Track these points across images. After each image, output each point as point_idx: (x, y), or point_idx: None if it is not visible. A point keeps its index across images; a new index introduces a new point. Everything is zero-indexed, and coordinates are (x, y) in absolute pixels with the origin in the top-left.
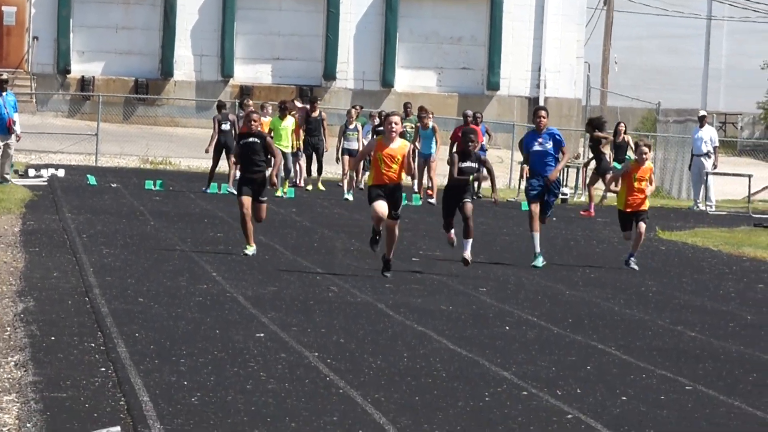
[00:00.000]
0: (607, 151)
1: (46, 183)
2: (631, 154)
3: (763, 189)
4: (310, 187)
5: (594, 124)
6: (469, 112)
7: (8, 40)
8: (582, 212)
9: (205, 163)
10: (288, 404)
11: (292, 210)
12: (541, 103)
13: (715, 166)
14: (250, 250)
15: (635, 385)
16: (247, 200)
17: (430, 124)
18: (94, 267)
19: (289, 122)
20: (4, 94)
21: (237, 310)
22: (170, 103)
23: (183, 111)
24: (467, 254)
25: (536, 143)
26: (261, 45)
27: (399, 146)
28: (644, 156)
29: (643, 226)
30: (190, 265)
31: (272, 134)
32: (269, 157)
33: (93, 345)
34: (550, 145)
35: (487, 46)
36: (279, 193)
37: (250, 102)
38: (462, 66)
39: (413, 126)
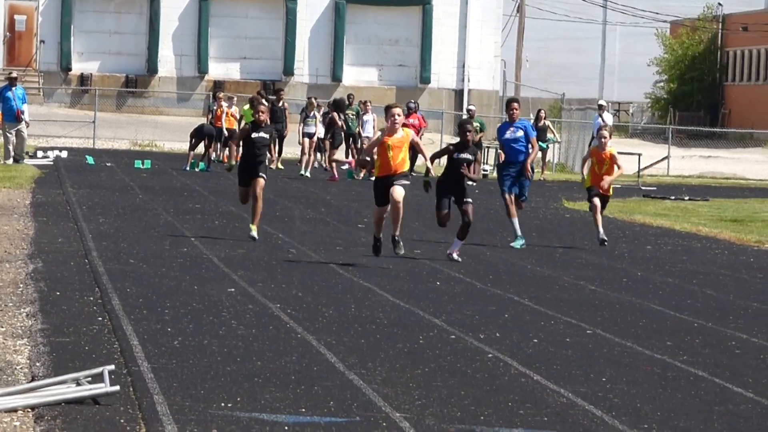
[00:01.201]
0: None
1: (52, 163)
2: (551, 135)
3: (650, 166)
4: (273, 166)
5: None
6: (412, 104)
7: (19, 43)
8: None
9: (184, 146)
10: (255, 347)
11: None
12: (465, 95)
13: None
14: (255, 231)
15: (545, 330)
16: (246, 191)
17: (370, 112)
18: (93, 233)
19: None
20: (14, 88)
21: (212, 269)
22: (155, 96)
23: (166, 102)
24: (455, 254)
25: (508, 131)
26: (231, 46)
27: (403, 136)
28: (603, 141)
29: (597, 201)
30: (173, 232)
31: (243, 121)
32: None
33: (91, 299)
34: (520, 134)
35: (420, 46)
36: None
37: (221, 94)
38: (399, 63)
39: (354, 113)
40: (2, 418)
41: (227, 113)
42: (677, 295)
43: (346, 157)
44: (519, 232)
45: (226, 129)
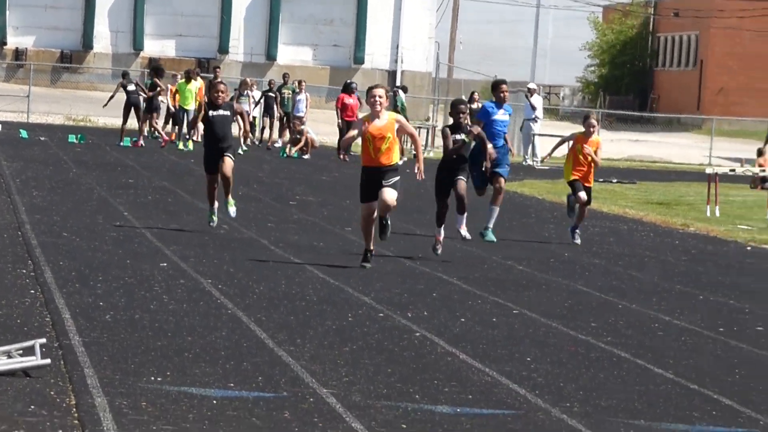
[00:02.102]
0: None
1: None
2: None
3: None
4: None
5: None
6: (354, 84)
7: None
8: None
9: (118, 122)
10: (185, 322)
11: (191, 161)
12: (398, 75)
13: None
14: (232, 207)
15: (472, 309)
16: (214, 177)
17: (303, 91)
18: (26, 206)
19: (194, 86)
20: None
21: (145, 244)
22: (90, 72)
23: (101, 78)
24: (463, 230)
25: (499, 113)
26: (166, 23)
27: (386, 122)
28: (591, 129)
29: (584, 195)
30: (106, 206)
31: (178, 95)
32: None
33: (24, 271)
34: (507, 117)
35: (354, 27)
36: (181, 147)
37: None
38: (333, 44)
39: (290, 92)
40: None
41: (171, 90)
42: (603, 276)
43: (281, 135)
44: (491, 225)
45: (175, 106)
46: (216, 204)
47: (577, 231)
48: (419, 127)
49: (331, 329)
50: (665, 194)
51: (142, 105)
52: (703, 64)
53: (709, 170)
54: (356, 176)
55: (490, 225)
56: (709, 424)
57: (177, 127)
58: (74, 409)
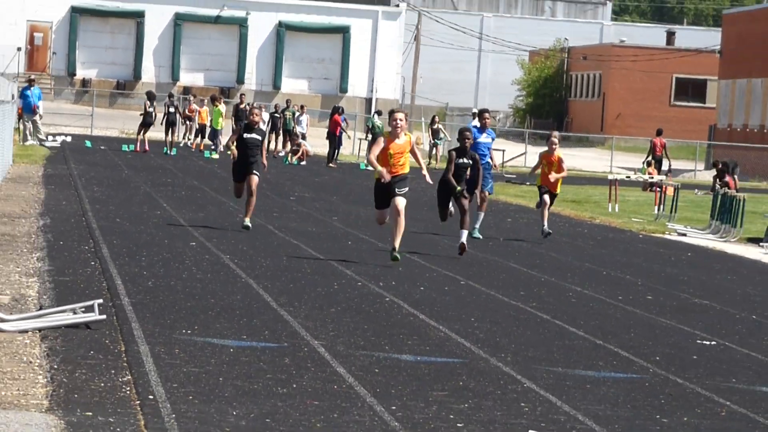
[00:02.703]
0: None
1: (59, 145)
2: (443, 135)
3: (512, 159)
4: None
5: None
6: (341, 108)
7: (37, 54)
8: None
9: (160, 135)
10: (209, 288)
11: (216, 166)
12: (373, 102)
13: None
14: (248, 221)
15: (429, 280)
16: (240, 185)
17: (305, 113)
18: (89, 198)
19: (223, 109)
20: (32, 88)
21: (179, 228)
22: (139, 96)
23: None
24: (463, 240)
25: (482, 136)
26: (197, 60)
27: (405, 141)
28: (553, 147)
29: (548, 198)
30: (150, 199)
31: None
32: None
33: (86, 247)
34: (489, 140)
35: (340, 64)
36: (207, 155)
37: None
38: (324, 77)
39: (291, 114)
40: (15, 338)
41: (199, 111)
42: (529, 256)
43: (284, 147)
44: (478, 225)
45: (198, 124)
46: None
47: (545, 224)
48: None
49: (321, 294)
50: (577, 194)
51: (179, 122)
52: (605, 96)
53: (610, 177)
54: (342, 179)
55: (477, 225)
56: (611, 371)
57: (202, 139)
58: (123, 354)
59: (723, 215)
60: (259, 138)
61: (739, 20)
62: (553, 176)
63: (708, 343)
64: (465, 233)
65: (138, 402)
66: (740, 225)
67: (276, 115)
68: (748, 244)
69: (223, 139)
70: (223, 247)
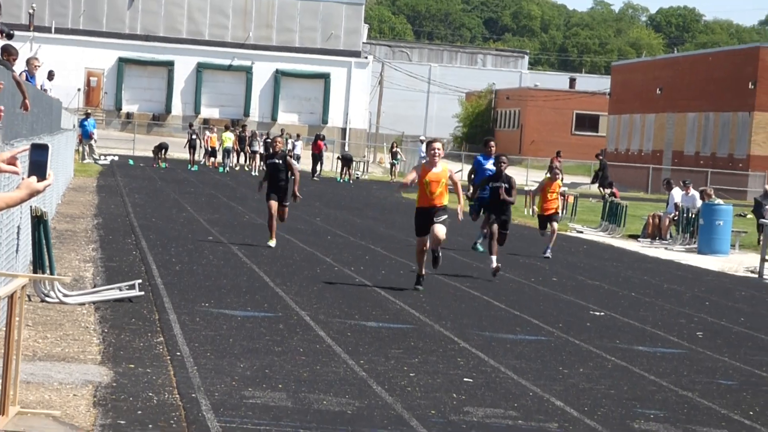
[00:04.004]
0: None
1: (109, 163)
2: (400, 156)
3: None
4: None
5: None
6: (321, 135)
7: (92, 93)
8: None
9: (186, 155)
10: (222, 271)
11: (228, 179)
12: (347, 131)
13: None
14: (272, 243)
15: (388, 266)
16: (274, 204)
17: (300, 140)
18: (131, 203)
19: (230, 135)
20: (88, 119)
21: (199, 226)
22: (169, 126)
23: (175, 129)
24: (494, 264)
25: (488, 163)
26: (213, 98)
27: (441, 170)
28: (557, 175)
29: (555, 225)
30: (177, 204)
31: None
32: (289, 174)
33: (129, 240)
34: (493, 165)
35: (322, 102)
36: (221, 170)
37: (215, 128)
38: (310, 112)
39: (285, 139)
40: (76, 309)
41: (211, 138)
42: (463, 249)
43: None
44: (481, 239)
45: (210, 147)
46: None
47: (549, 249)
48: (359, 161)
49: (307, 276)
50: None
51: (198, 146)
52: (522, 127)
53: (526, 188)
54: (323, 190)
55: (479, 242)
56: (525, 334)
57: (215, 159)
58: (157, 321)
59: (610, 217)
60: (281, 162)
61: (623, 70)
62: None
63: (598, 313)
64: (495, 258)
65: (168, 357)
66: (623, 225)
67: (268, 140)
68: (629, 239)
69: (233, 156)
70: (234, 240)
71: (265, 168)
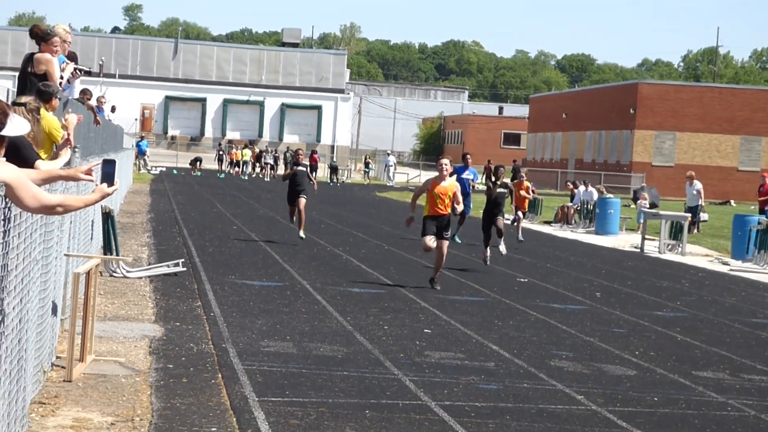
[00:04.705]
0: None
1: (158, 173)
2: (372, 165)
3: (414, 178)
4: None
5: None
6: (315, 150)
7: (146, 122)
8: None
9: (215, 166)
10: (244, 252)
11: (248, 184)
12: (335, 148)
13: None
14: (303, 233)
15: (367, 247)
16: (293, 209)
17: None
18: (176, 203)
19: (248, 151)
20: (143, 141)
21: (226, 218)
22: (203, 144)
23: (207, 147)
24: (502, 247)
25: (465, 173)
26: (235, 124)
27: (449, 184)
28: (522, 177)
29: (520, 214)
30: (210, 203)
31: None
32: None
33: (174, 230)
34: (470, 176)
35: (316, 126)
36: (242, 177)
37: (237, 146)
38: (307, 133)
39: (290, 154)
40: (135, 282)
41: (236, 154)
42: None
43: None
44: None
45: (236, 160)
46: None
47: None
48: (344, 169)
49: (307, 255)
50: None
51: (226, 159)
52: (464, 143)
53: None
54: (318, 191)
55: (456, 233)
56: (469, 296)
57: (238, 168)
58: (196, 290)
59: (531, 209)
60: (304, 170)
61: (538, 101)
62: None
63: (523, 280)
64: (502, 240)
65: (205, 317)
66: (540, 213)
67: (276, 155)
68: (544, 224)
69: (250, 166)
70: (253, 229)
71: (290, 172)
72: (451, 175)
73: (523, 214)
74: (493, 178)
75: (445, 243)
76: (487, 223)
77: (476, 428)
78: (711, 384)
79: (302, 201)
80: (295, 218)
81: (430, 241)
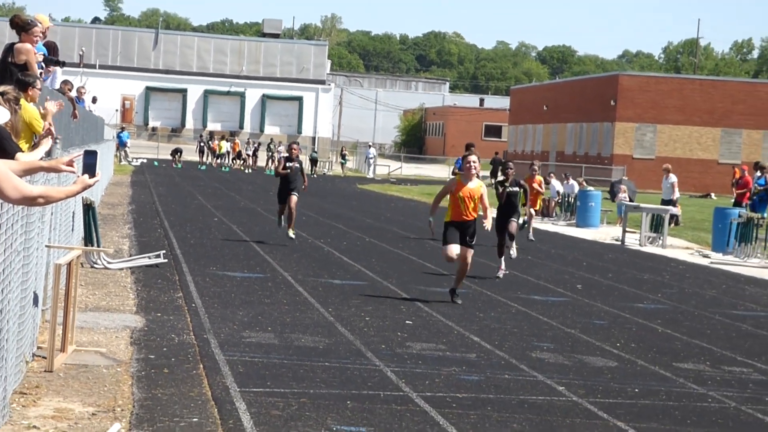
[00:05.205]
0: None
1: (139, 165)
2: (350, 158)
3: (395, 170)
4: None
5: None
6: (297, 142)
7: (126, 113)
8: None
9: (196, 158)
10: (225, 244)
11: (228, 176)
12: (316, 139)
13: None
14: (292, 233)
15: (348, 239)
16: (283, 207)
17: (282, 145)
18: (156, 194)
19: (225, 143)
20: (123, 132)
21: (207, 210)
22: (184, 136)
23: (188, 139)
24: (513, 252)
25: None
26: (216, 115)
27: (476, 186)
28: (534, 172)
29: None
30: (191, 194)
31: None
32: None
33: (155, 221)
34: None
35: (297, 117)
36: (225, 169)
37: (220, 138)
38: (288, 125)
39: (273, 145)
40: (116, 273)
41: (219, 145)
42: (400, 223)
43: (267, 166)
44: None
45: (219, 152)
46: (284, 223)
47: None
48: (325, 161)
49: (288, 247)
50: (429, 190)
51: (206, 151)
52: (445, 135)
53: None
54: (309, 191)
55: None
56: (449, 288)
57: (219, 160)
58: (177, 281)
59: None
60: (298, 166)
61: (519, 93)
62: (540, 189)
63: (505, 272)
64: (513, 244)
65: (186, 308)
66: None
67: (256, 146)
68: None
69: (228, 158)
70: (233, 220)
71: (285, 168)
72: (456, 163)
73: (536, 211)
74: (501, 178)
75: (470, 252)
76: (501, 225)
77: (457, 419)
78: (691, 375)
79: (293, 198)
80: (283, 218)
81: (454, 251)
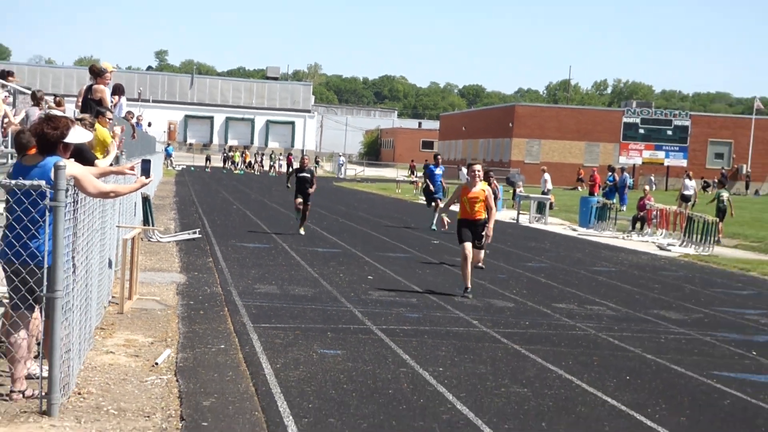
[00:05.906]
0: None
1: (180, 169)
2: (322, 165)
3: (359, 173)
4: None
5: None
6: (290, 153)
7: (171, 134)
8: None
9: (220, 164)
10: (242, 224)
11: (244, 177)
12: (304, 151)
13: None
14: (302, 230)
15: (328, 221)
16: (299, 201)
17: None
18: (194, 191)
19: (238, 154)
20: (169, 147)
21: (232, 203)
22: (212, 149)
23: (214, 152)
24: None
25: (437, 170)
26: (235, 134)
27: (480, 189)
28: (491, 178)
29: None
30: (219, 192)
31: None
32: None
33: (192, 209)
34: (441, 172)
35: (291, 136)
36: (241, 173)
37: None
38: (285, 141)
39: (275, 157)
40: (166, 245)
41: (233, 155)
42: (373, 209)
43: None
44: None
45: (234, 160)
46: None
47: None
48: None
49: (286, 226)
50: (386, 187)
51: (228, 160)
52: (395, 148)
53: (398, 179)
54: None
55: (434, 221)
56: (399, 253)
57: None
58: (208, 250)
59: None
60: (309, 175)
61: (447, 118)
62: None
63: (435, 241)
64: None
65: (215, 268)
66: (446, 196)
67: (263, 156)
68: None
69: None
70: (251, 210)
71: (294, 177)
72: (426, 170)
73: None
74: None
75: (480, 253)
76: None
77: (403, 344)
78: (564, 312)
79: (307, 206)
80: (299, 214)
81: (468, 248)
